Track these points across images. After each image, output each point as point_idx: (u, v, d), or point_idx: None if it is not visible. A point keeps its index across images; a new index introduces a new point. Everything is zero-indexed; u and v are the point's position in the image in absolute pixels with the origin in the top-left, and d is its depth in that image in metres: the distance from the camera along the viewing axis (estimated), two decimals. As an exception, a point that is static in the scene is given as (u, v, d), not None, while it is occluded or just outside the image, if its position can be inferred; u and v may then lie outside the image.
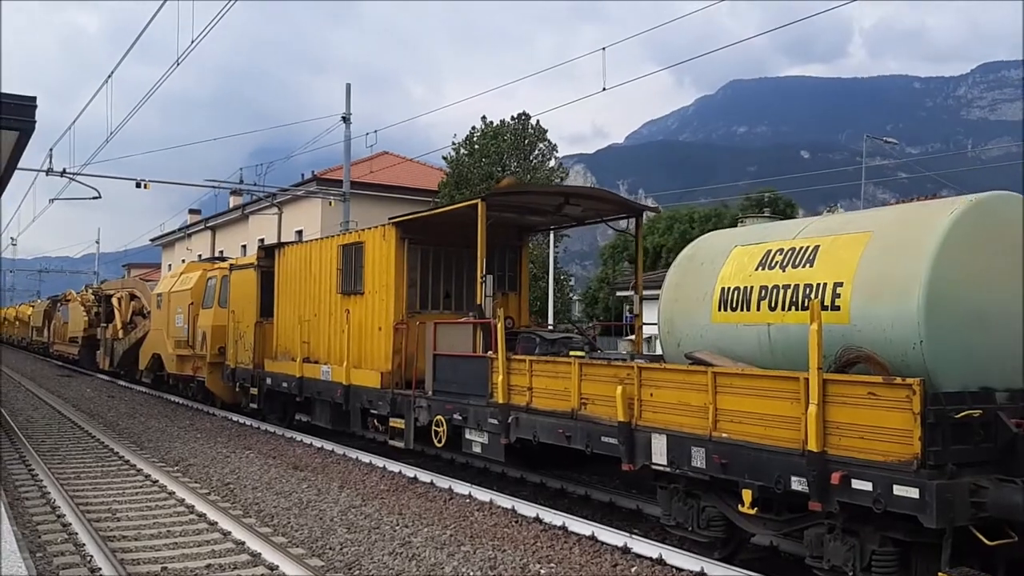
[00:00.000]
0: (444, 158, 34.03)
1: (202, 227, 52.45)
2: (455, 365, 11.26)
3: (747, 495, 7.06)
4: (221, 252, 44.65)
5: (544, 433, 9.48)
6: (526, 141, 33.06)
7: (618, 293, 31.60)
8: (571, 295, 40.63)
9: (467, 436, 10.96)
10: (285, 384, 16.24)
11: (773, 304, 7.47)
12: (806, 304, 7.08)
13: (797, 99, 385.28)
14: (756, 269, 7.78)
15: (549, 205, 11.80)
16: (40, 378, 32.84)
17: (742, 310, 7.79)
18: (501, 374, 10.03)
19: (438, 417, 11.34)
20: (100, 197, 23.24)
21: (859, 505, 6.34)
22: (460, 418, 10.95)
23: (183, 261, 49.88)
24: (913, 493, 5.94)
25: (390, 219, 13.33)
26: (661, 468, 7.96)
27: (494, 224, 12.74)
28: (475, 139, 33.19)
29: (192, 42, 14.97)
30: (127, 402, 23.54)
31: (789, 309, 7.33)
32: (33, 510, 10.22)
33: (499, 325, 10.02)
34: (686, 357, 8.03)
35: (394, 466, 12.96)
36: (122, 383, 29.59)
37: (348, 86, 26.10)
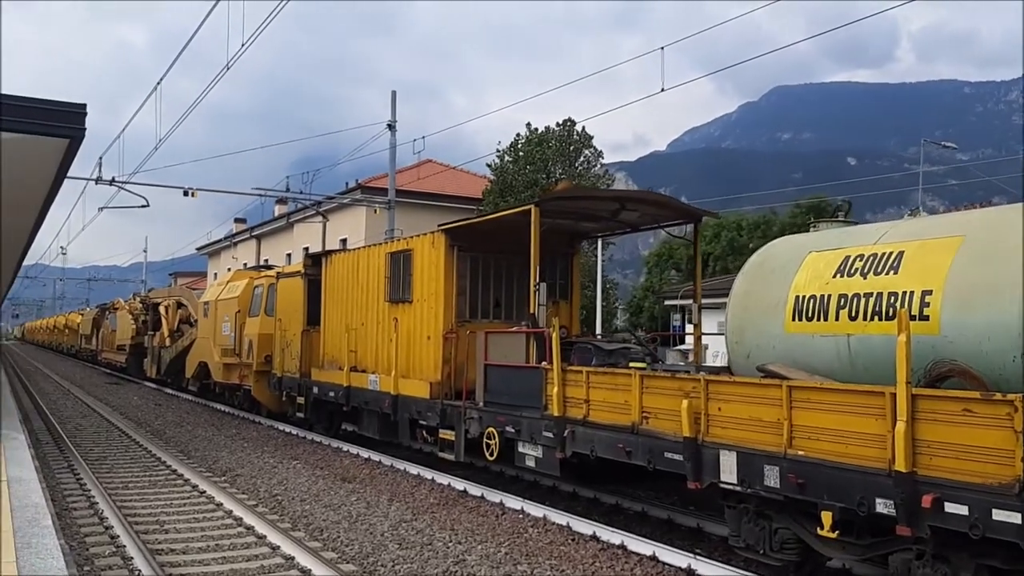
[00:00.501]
0: (488, 165, 33.80)
1: (248, 236, 52.91)
2: (507, 376, 10.93)
3: (827, 517, 6.60)
4: (266, 260, 45.01)
5: (602, 447, 9.09)
6: (571, 147, 32.69)
7: (666, 302, 31.04)
8: (616, 304, 40.13)
9: (520, 449, 10.60)
10: (332, 393, 16.05)
11: (853, 313, 7.02)
12: (890, 313, 6.63)
13: (843, 105, 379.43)
14: (834, 276, 7.34)
15: (604, 210, 11.41)
16: (88, 385, 33.23)
17: (819, 320, 7.34)
18: (556, 386, 9.67)
19: (490, 429, 11.01)
20: (148, 205, 23.40)
21: (952, 530, 5.87)
22: (513, 431, 10.60)
23: (229, 270, 50.37)
24: (1015, 518, 5.46)
25: (439, 226, 13.06)
26: (730, 487, 7.53)
27: (546, 230, 12.41)
28: (520, 146, 32.91)
29: (243, 45, 14.89)
30: (174, 410, 23.61)
31: (871, 319, 6.87)
32: (81, 521, 10.11)
33: (554, 335, 9.66)
34: (758, 369, 7.60)
35: (443, 478, 12.67)
36: (169, 391, 29.77)
37: (394, 93, 25.99)
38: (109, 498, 11.29)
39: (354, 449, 15.65)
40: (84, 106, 11.87)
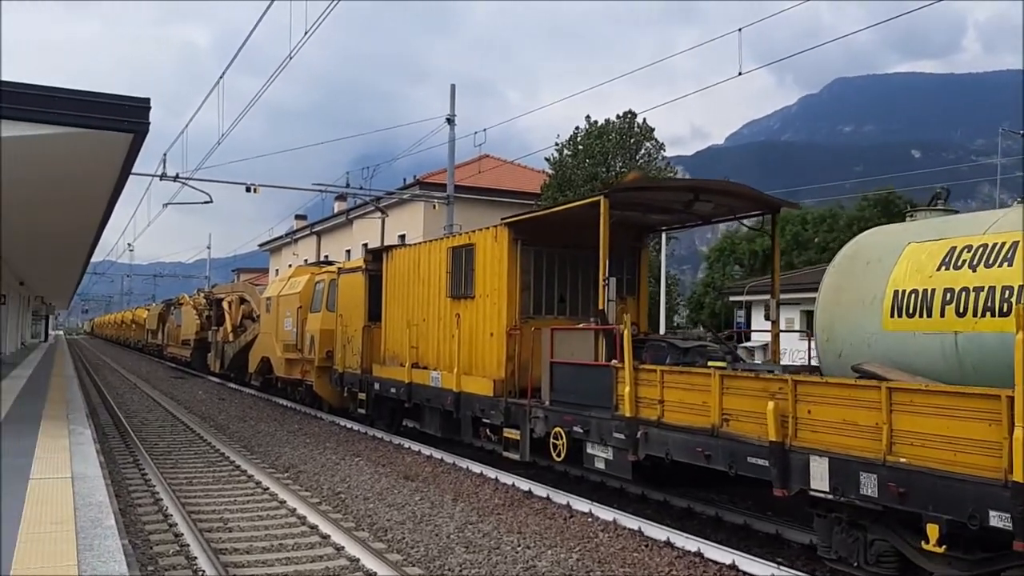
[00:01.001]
0: (547, 159, 33.42)
1: (308, 232, 53.39)
2: (575, 374, 10.53)
3: (933, 530, 6.08)
4: (326, 256, 45.29)
5: (678, 451, 8.65)
6: (632, 140, 32.05)
7: (731, 298, 30.24)
8: (679, 300, 39.32)
9: (588, 450, 10.20)
10: (393, 390, 15.86)
11: (962, 309, 6.46)
12: (1005, 309, 6.07)
13: (907, 97, 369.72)
14: (938, 269, 6.77)
15: (677, 202, 10.90)
16: (154, 380, 33.77)
17: (921, 316, 6.79)
18: (628, 385, 9.24)
19: (557, 429, 10.63)
20: (211, 201, 23.57)
21: (1080, 549, 5.32)
22: (581, 431, 10.21)
23: (290, 266, 50.85)
24: None
25: (502, 220, 12.73)
26: (821, 495, 7.03)
27: (614, 223, 11.99)
28: (579, 139, 32.39)
29: (305, 33, 14.76)
30: (237, 405, 23.76)
31: (983, 315, 6.30)
32: (145, 518, 10.03)
33: (625, 332, 9.24)
34: (853, 369, 7.08)
35: (506, 478, 12.35)
36: (232, 385, 30.06)
37: (453, 87, 25.77)
38: (173, 494, 11.22)
39: (415, 446, 15.44)
40: (148, 100, 11.81)
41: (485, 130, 23.05)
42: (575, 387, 10.46)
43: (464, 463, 13.67)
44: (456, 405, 13.37)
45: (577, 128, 32.86)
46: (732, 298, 30.07)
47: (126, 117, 11.36)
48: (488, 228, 13.17)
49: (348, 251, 43.84)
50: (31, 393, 18.51)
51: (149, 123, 11.54)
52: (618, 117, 32.58)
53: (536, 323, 12.37)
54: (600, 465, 10.04)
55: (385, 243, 30.16)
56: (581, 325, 11.18)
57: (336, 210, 47.81)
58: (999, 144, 34.54)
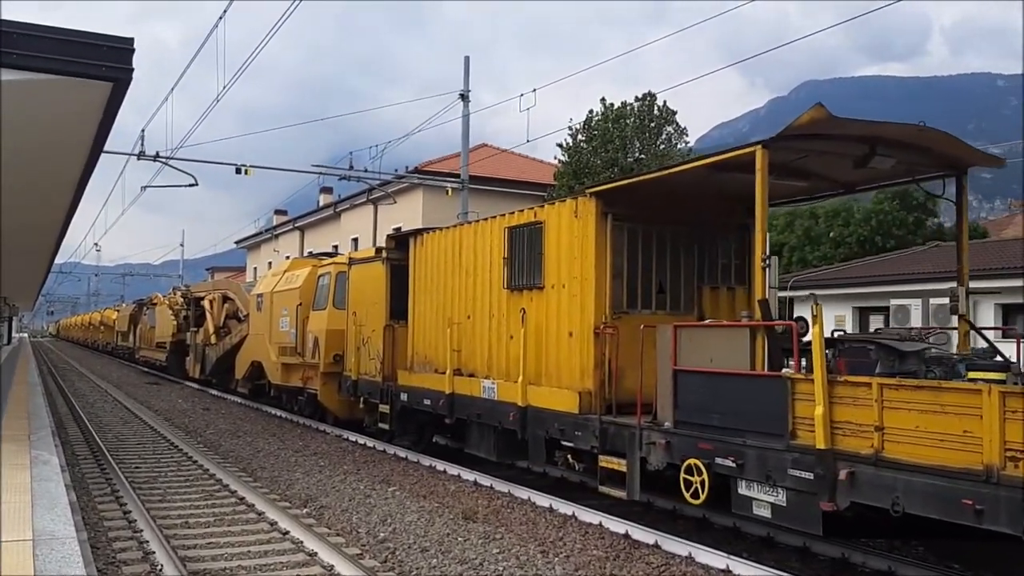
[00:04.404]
0: (559, 145, 30.78)
1: (290, 227, 50.28)
2: (716, 387, 7.90)
3: None
4: (310, 252, 42.36)
5: (917, 500, 6.05)
6: (651, 124, 29.50)
7: (779, 294, 27.78)
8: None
9: (743, 491, 7.57)
10: (428, 401, 13.13)
11: None
12: None
13: (874, 99, 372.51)
14: None
15: (847, 157, 8.26)
16: (127, 386, 30.70)
17: None
18: (821, 405, 6.64)
19: (691, 461, 7.98)
20: (196, 184, 20.64)
21: None
22: (731, 464, 7.57)
23: (270, 264, 47.80)
24: None
25: (587, 189, 10.13)
26: None
27: (715, 195, 9.52)
28: (594, 124, 29.81)
29: (271, 30, 12.06)
30: (225, 416, 20.84)
31: None
32: (136, 584, 7.31)
33: (815, 331, 6.64)
34: None
35: (587, 515, 9.76)
36: (214, 392, 27.11)
37: (467, 59, 23.09)
38: (168, 544, 8.50)
39: (453, 469, 12.80)
40: (131, 41, 9.02)
41: (534, 90, 20.12)
42: (717, 405, 7.83)
43: (523, 492, 11.06)
44: (522, 423, 10.70)
45: (591, 111, 30.29)
46: (780, 293, 27.68)
47: (104, 61, 8.68)
48: (564, 201, 10.57)
49: (335, 246, 40.95)
50: (-15, 406, 15.56)
51: (132, 69, 8.88)
52: (637, 99, 30.05)
53: (632, 319, 9.76)
54: (763, 512, 7.41)
55: (378, 236, 27.44)
56: (708, 321, 8.57)
57: (321, 203, 44.87)
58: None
